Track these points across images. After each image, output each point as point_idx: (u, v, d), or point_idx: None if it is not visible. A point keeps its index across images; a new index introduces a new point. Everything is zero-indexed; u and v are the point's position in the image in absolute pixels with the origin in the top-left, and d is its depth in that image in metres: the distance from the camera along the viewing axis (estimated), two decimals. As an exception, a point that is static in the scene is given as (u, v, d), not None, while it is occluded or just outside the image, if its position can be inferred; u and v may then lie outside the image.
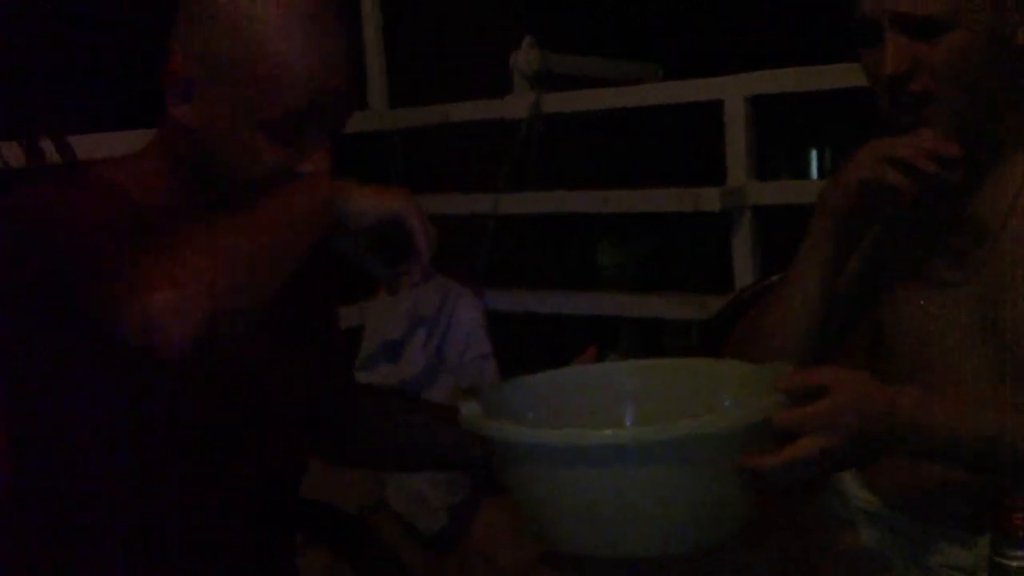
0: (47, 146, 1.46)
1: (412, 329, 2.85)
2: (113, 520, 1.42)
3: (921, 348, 1.62)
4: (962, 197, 1.61)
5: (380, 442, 1.74)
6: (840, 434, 1.37)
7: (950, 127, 1.52)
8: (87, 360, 1.36)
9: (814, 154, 4.84)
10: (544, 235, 3.59)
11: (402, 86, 3.40)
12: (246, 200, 1.31)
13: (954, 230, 1.62)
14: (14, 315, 1.36)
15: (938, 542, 1.62)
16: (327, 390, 1.64)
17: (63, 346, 1.35)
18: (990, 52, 1.51)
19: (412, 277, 1.41)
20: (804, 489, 1.65)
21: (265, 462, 1.52)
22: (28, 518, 1.44)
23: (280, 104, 1.36)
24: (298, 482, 1.62)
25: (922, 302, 1.63)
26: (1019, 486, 1.23)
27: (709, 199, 2.87)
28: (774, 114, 3.05)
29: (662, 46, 3.92)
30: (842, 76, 2.67)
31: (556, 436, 1.31)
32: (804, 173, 4.64)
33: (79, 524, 1.43)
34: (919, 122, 1.52)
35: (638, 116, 3.27)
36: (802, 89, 2.89)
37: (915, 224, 1.66)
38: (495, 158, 3.27)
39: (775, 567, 1.36)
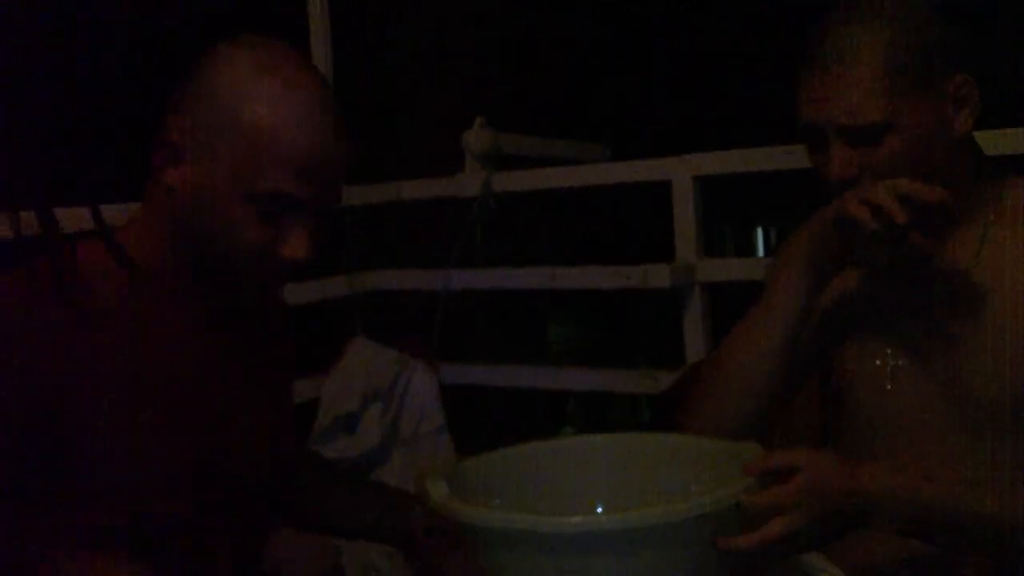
0: (28, 218, 1.47)
1: (367, 402, 2.87)
2: None
3: (883, 404, 1.68)
4: (914, 263, 1.66)
5: (327, 510, 1.78)
6: (810, 514, 1.41)
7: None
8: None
9: (760, 233, 4.91)
10: (496, 311, 3.62)
11: (355, 163, 3.43)
12: None
13: (908, 294, 1.68)
14: None
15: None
16: (281, 454, 1.66)
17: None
18: (931, 147, 1.58)
19: None
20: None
21: (231, 530, 1.54)
22: None
23: (272, 182, 1.40)
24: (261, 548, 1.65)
25: (880, 361, 1.69)
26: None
27: (658, 276, 2.92)
28: (720, 192, 3.10)
29: (610, 126, 3.99)
30: (788, 158, 2.74)
31: (524, 521, 1.31)
32: (751, 251, 4.71)
33: None
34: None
35: (588, 195, 3.32)
36: (749, 169, 2.95)
37: (877, 282, 1.72)
38: (447, 235, 3.31)
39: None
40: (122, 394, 1.41)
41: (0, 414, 1.34)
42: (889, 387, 1.68)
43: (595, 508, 1.58)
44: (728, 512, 1.35)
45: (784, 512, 1.40)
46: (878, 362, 1.69)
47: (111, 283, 1.45)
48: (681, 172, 3.00)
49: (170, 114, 1.44)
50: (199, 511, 1.48)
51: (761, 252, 4.72)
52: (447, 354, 3.23)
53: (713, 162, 2.99)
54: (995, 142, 2.12)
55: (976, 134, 1.65)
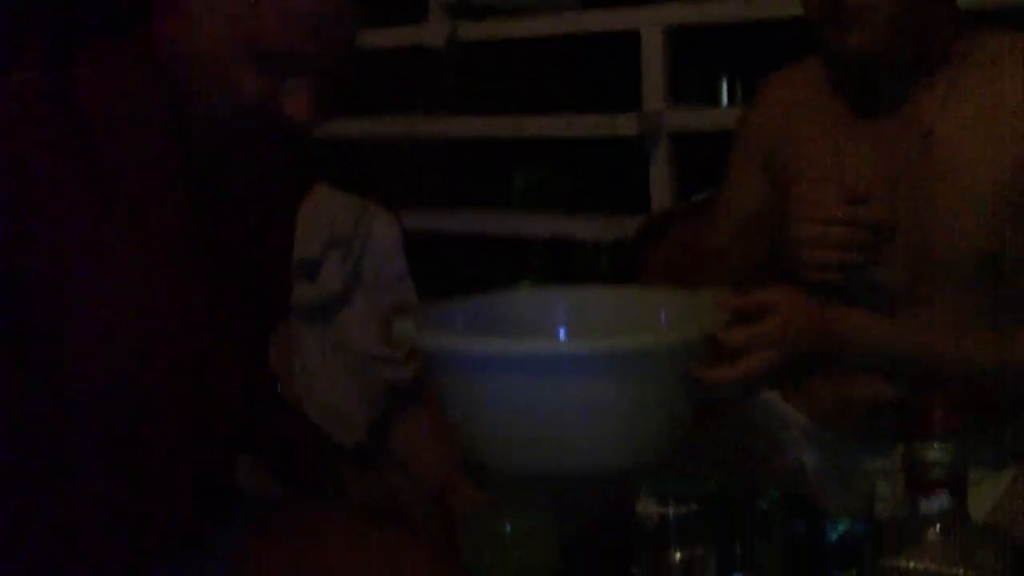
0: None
1: (328, 248, 2.83)
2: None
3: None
4: (875, 115, 1.65)
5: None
6: (785, 351, 1.42)
7: (882, 38, 1.56)
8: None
9: (724, 84, 4.86)
10: (461, 162, 3.59)
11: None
12: None
13: (871, 144, 1.67)
14: None
15: (864, 454, 1.67)
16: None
17: None
18: None
19: None
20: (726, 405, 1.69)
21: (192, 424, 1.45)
22: None
23: (273, 33, 1.30)
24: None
25: (838, 214, 1.67)
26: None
27: (627, 124, 2.90)
28: (685, 41, 3.07)
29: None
30: (757, 8, 2.71)
31: (500, 346, 1.32)
32: (715, 101, 4.67)
33: None
34: (853, 27, 1.56)
35: (556, 44, 3.27)
36: (720, 20, 2.91)
37: (828, 141, 1.70)
38: (411, 83, 3.26)
39: (714, 476, 1.39)
40: (99, 226, 1.33)
41: None
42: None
43: None
44: (704, 346, 1.35)
45: (760, 349, 1.40)
46: (838, 215, 1.66)
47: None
48: (650, 22, 2.96)
49: None
50: (163, 392, 1.39)
51: (726, 103, 4.69)
52: (411, 201, 3.20)
53: (682, 12, 2.95)
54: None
55: None
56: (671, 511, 1.26)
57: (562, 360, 1.31)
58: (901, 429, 1.40)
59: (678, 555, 1.26)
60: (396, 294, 2.83)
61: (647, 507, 1.27)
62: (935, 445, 1.19)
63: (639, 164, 3.02)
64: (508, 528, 1.32)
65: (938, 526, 1.19)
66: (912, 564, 1.19)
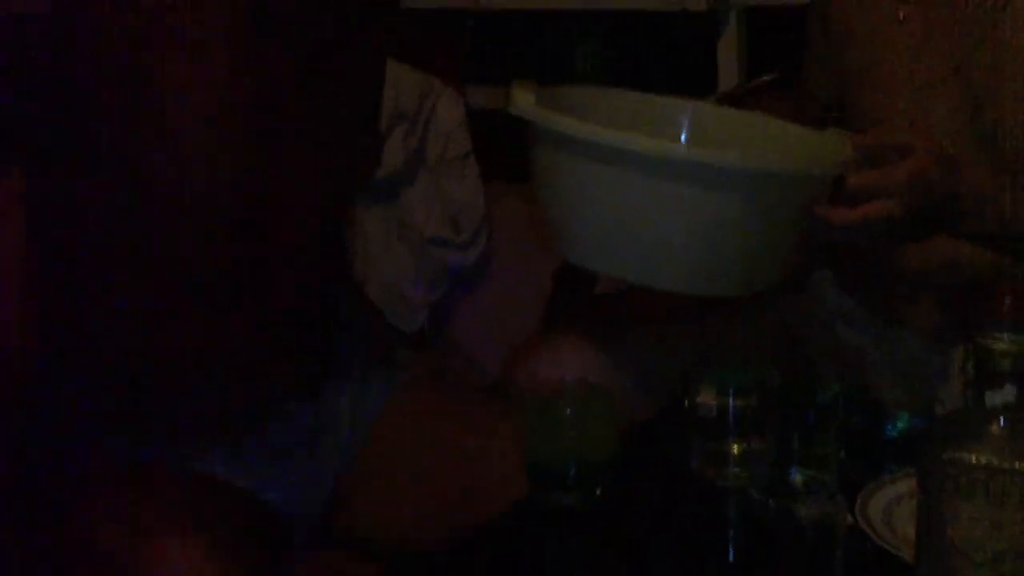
0: None
1: (392, 124, 2.82)
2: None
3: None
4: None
5: None
6: (910, 204, 1.36)
7: None
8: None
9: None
10: (524, 33, 3.53)
11: None
12: None
13: (938, 25, 1.61)
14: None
15: (927, 351, 1.65)
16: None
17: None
18: None
19: None
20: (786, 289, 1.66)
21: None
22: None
23: None
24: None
25: (901, 105, 1.63)
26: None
27: (696, -1, 2.83)
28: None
29: None
30: None
31: (634, 142, 1.27)
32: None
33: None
34: None
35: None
36: None
37: (896, 25, 1.65)
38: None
39: (769, 347, 1.38)
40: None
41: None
42: (910, 125, 1.62)
43: None
44: (829, 182, 1.32)
45: (886, 195, 1.36)
46: (901, 106, 1.63)
47: None
48: None
49: None
50: (233, 207, 1.37)
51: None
52: (474, 77, 3.16)
53: None
54: None
55: None
56: (730, 402, 1.25)
57: (695, 167, 1.27)
58: (966, 326, 1.37)
59: (736, 447, 1.26)
60: (460, 173, 2.82)
61: (706, 397, 1.26)
62: (1004, 335, 1.17)
63: (708, 41, 2.96)
64: (568, 412, 1.32)
65: (1003, 419, 1.16)
66: (975, 458, 1.17)
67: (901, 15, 1.64)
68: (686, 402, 1.28)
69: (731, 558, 1.24)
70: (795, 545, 1.14)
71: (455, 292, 2.76)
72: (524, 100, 1.34)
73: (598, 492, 1.30)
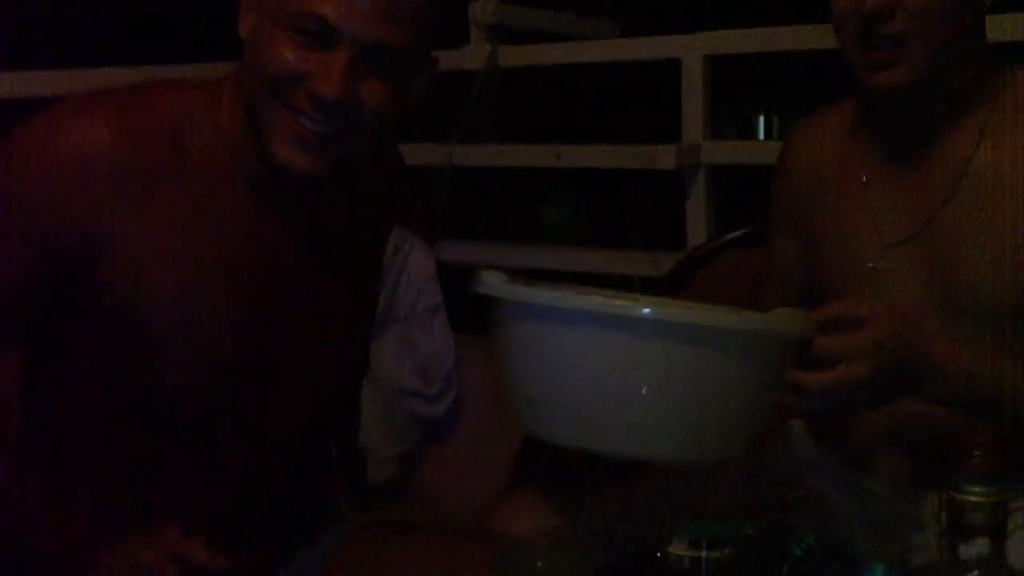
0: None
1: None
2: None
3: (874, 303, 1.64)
4: (907, 154, 1.63)
5: None
6: (875, 366, 1.38)
7: (917, 74, 1.54)
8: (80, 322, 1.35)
9: (761, 119, 4.86)
10: (496, 189, 3.58)
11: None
12: None
13: (904, 187, 1.64)
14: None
15: (884, 494, 1.65)
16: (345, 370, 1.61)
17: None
18: (955, 13, 1.54)
19: None
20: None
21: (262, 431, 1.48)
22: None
23: (319, 6, 1.30)
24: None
25: (869, 264, 1.65)
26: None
27: (665, 157, 2.87)
28: (722, 76, 3.05)
29: (619, 2, 3.91)
30: (803, 38, 2.69)
31: (600, 304, 1.27)
32: (751, 136, 4.67)
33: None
34: (892, 64, 1.53)
35: (595, 72, 3.26)
36: (761, 49, 2.90)
37: (860, 187, 1.68)
38: (451, 109, 3.25)
39: (742, 499, 1.37)
40: (175, 243, 1.36)
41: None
42: (881, 290, 1.64)
43: None
44: (796, 345, 1.32)
45: (852, 359, 1.37)
46: (870, 264, 1.65)
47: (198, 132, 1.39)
48: (691, 51, 2.95)
49: None
50: (224, 400, 1.42)
51: (762, 137, 4.67)
52: (445, 231, 3.19)
53: (724, 41, 2.94)
54: (998, 27, 2.08)
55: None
56: (704, 554, 1.24)
57: (662, 325, 1.26)
58: (938, 475, 1.38)
59: (710, 599, 1.24)
60: (430, 326, 2.82)
61: (680, 549, 1.25)
62: (975, 488, 1.17)
63: (675, 198, 3.00)
64: (539, 566, 1.30)
65: (977, 572, 1.16)
66: (950, 612, 1.16)
67: (864, 178, 1.67)
68: (659, 554, 1.27)
69: None
70: None
71: (425, 444, 2.74)
72: (494, 276, 1.34)
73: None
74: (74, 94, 1.43)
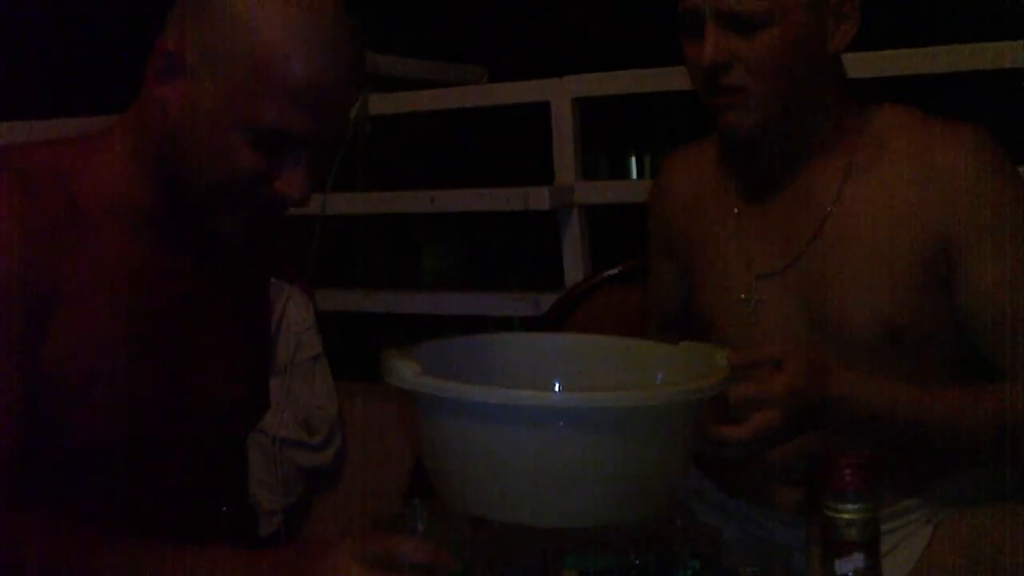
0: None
1: (242, 329, 2.81)
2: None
3: (747, 342, 1.65)
4: (776, 189, 1.67)
5: None
6: (790, 408, 1.41)
7: (759, 121, 1.58)
8: None
9: (633, 160, 4.95)
10: (371, 236, 3.58)
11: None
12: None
13: (773, 221, 1.67)
14: None
15: (771, 523, 1.67)
16: (251, 394, 1.59)
17: None
18: (804, 54, 1.57)
19: None
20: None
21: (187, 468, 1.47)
22: None
23: (273, 112, 1.29)
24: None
25: (742, 295, 1.69)
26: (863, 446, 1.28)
27: (539, 198, 2.90)
28: (594, 118, 3.10)
29: (487, 48, 3.95)
30: (667, 80, 2.74)
31: (510, 397, 1.25)
32: (624, 176, 4.73)
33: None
34: (736, 107, 1.58)
35: (466, 118, 3.29)
36: (628, 91, 2.95)
37: (731, 219, 1.72)
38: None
39: (627, 528, 1.38)
40: (99, 301, 1.35)
41: None
42: (753, 321, 1.68)
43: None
44: (708, 402, 1.33)
45: (766, 406, 1.40)
46: (742, 296, 1.69)
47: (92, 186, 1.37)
48: (560, 93, 2.99)
49: (170, 20, 1.34)
50: (154, 442, 1.41)
51: (635, 176, 4.74)
52: (322, 280, 3.18)
53: (592, 83, 2.98)
54: (860, 65, 2.14)
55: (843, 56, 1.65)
56: (592, 585, 1.25)
57: (567, 413, 1.26)
58: (814, 499, 1.41)
59: (599, 629, 1.25)
60: (311, 375, 2.80)
61: (569, 581, 1.26)
62: (847, 506, 1.20)
63: (552, 238, 3.03)
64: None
65: (852, 589, 1.18)
66: (829, 628, 1.18)
67: (736, 210, 1.71)
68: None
69: None
70: None
71: (311, 495, 2.72)
72: (408, 369, 1.29)
73: None
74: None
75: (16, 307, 1.29)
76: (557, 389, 1.49)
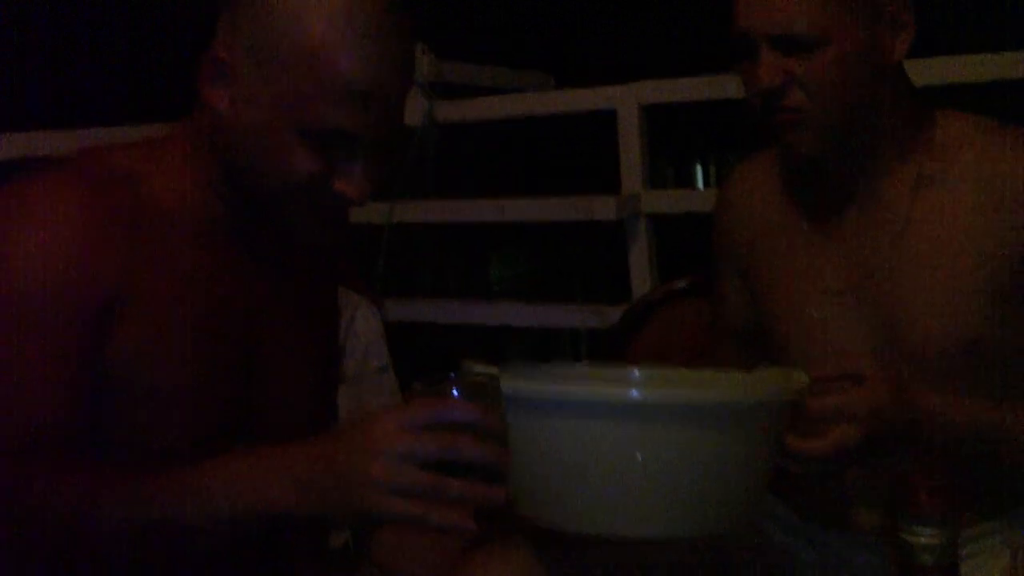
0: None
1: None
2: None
3: (820, 358, 1.62)
4: (845, 203, 1.64)
5: None
6: (869, 427, 1.38)
7: (821, 140, 1.56)
8: None
9: (699, 167, 4.92)
10: (439, 244, 3.58)
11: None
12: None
13: (844, 235, 1.64)
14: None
15: (852, 548, 1.64)
16: (322, 410, 1.57)
17: None
18: (863, 69, 1.54)
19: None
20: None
21: None
22: None
23: (324, 110, 1.28)
24: None
25: (815, 313, 1.66)
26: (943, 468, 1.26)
27: (605, 208, 2.89)
28: (659, 125, 3.08)
29: (554, 55, 3.94)
30: (736, 85, 2.70)
31: (598, 392, 1.26)
32: (690, 185, 4.71)
33: None
34: (796, 125, 1.55)
35: (532, 125, 3.28)
36: (696, 99, 2.93)
37: (800, 235, 1.69)
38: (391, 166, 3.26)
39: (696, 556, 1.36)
40: (171, 303, 1.34)
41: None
42: (825, 339, 1.64)
43: None
44: (788, 409, 1.31)
45: (847, 420, 1.37)
46: (813, 313, 1.65)
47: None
48: (626, 101, 2.97)
49: (220, 27, 1.33)
50: (219, 451, 1.34)
51: (701, 186, 4.72)
52: (390, 290, 3.19)
53: (658, 90, 2.96)
54: (923, 71, 2.10)
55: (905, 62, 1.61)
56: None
57: (652, 409, 1.24)
58: (888, 521, 1.39)
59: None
60: (379, 387, 2.81)
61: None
62: (924, 530, 1.17)
63: (618, 248, 3.01)
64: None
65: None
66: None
67: (804, 225, 1.68)
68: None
69: None
70: None
71: (367, 533, 2.71)
72: (489, 371, 1.27)
73: None
74: (31, 172, 1.38)
75: (86, 307, 1.29)
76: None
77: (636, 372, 1.60)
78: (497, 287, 3.85)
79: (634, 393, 1.26)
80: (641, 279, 2.93)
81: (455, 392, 1.20)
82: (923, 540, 1.17)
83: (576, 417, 1.24)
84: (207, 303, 1.39)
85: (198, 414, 1.37)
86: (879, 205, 1.61)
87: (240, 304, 1.42)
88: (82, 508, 1.22)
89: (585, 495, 1.26)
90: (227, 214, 1.40)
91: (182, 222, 1.38)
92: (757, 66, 1.54)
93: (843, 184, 1.63)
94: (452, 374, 1.22)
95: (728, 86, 2.79)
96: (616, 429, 1.23)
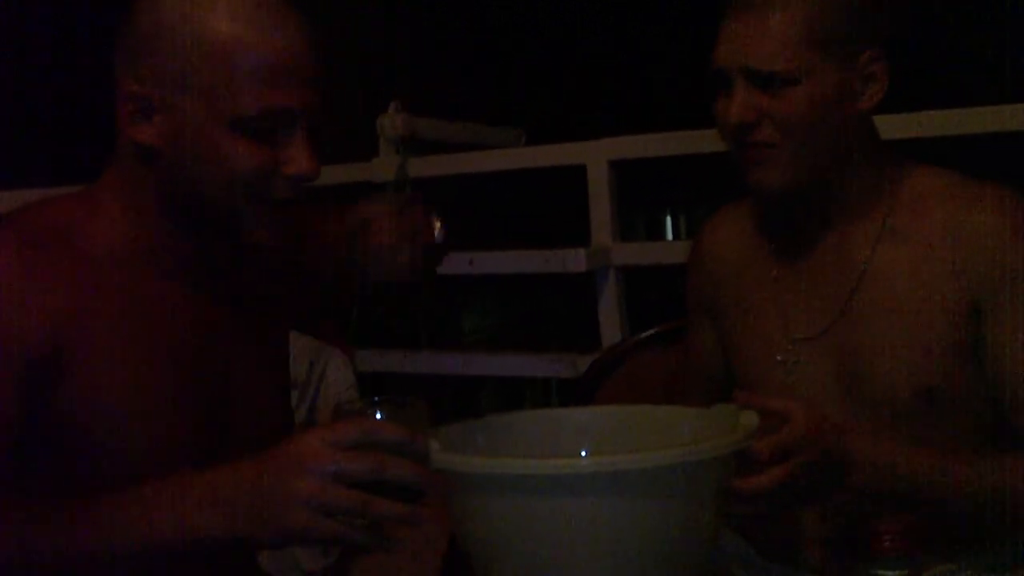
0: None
1: (282, 391, 2.82)
2: None
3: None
4: (811, 251, 1.68)
5: None
6: (809, 459, 1.40)
7: (789, 177, 1.60)
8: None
9: (669, 219, 4.95)
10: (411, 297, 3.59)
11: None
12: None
13: (810, 283, 1.68)
14: None
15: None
16: (281, 415, 1.59)
17: None
18: (832, 112, 1.58)
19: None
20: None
21: None
22: None
23: (250, 97, 1.31)
24: None
25: (779, 357, 1.70)
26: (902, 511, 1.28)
27: (575, 260, 2.92)
28: (629, 179, 3.12)
29: (525, 111, 3.98)
30: (701, 141, 2.75)
31: (532, 466, 1.24)
32: (660, 236, 4.74)
33: None
34: (763, 162, 1.60)
35: (503, 180, 3.31)
36: (663, 154, 2.97)
37: (769, 282, 1.73)
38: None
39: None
40: (119, 346, 1.36)
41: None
42: (790, 384, 1.67)
43: None
44: (731, 458, 1.31)
45: (786, 457, 1.39)
46: (779, 357, 1.69)
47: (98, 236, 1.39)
48: (596, 156, 3.01)
49: (120, 66, 1.35)
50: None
51: (671, 236, 4.74)
52: (362, 341, 3.20)
53: (627, 146, 3.01)
54: (893, 127, 2.14)
55: (875, 118, 1.65)
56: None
57: (601, 479, 1.22)
58: (856, 563, 1.41)
59: None
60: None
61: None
62: (888, 572, 1.19)
63: (589, 299, 3.04)
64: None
65: (894, 655, 1.18)
66: None
67: (774, 273, 1.72)
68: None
69: None
70: None
71: (350, 555, 2.71)
72: (433, 450, 1.26)
73: None
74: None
75: (20, 361, 1.30)
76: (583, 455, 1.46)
77: (593, 415, 1.58)
78: (469, 338, 3.87)
79: (562, 465, 1.24)
80: (611, 329, 2.96)
81: (379, 414, 1.23)
82: (884, 580, 1.19)
83: (510, 492, 1.23)
84: (160, 338, 1.40)
85: (159, 442, 1.38)
86: (843, 253, 1.65)
87: (196, 333, 1.43)
88: (10, 547, 1.23)
89: (533, 563, 1.26)
90: (171, 246, 1.41)
91: (125, 264, 1.39)
92: (731, 100, 1.59)
93: (809, 230, 1.67)
94: (375, 397, 1.25)
95: (693, 142, 2.84)
96: (551, 501, 1.22)
